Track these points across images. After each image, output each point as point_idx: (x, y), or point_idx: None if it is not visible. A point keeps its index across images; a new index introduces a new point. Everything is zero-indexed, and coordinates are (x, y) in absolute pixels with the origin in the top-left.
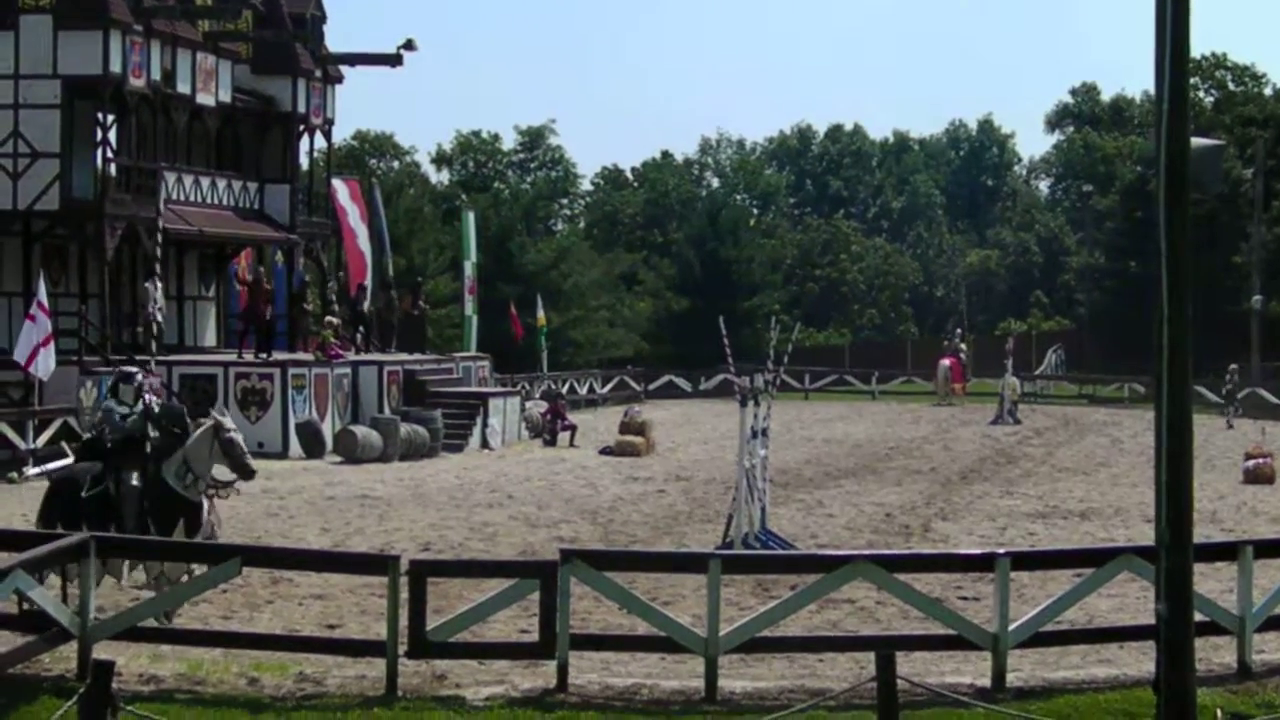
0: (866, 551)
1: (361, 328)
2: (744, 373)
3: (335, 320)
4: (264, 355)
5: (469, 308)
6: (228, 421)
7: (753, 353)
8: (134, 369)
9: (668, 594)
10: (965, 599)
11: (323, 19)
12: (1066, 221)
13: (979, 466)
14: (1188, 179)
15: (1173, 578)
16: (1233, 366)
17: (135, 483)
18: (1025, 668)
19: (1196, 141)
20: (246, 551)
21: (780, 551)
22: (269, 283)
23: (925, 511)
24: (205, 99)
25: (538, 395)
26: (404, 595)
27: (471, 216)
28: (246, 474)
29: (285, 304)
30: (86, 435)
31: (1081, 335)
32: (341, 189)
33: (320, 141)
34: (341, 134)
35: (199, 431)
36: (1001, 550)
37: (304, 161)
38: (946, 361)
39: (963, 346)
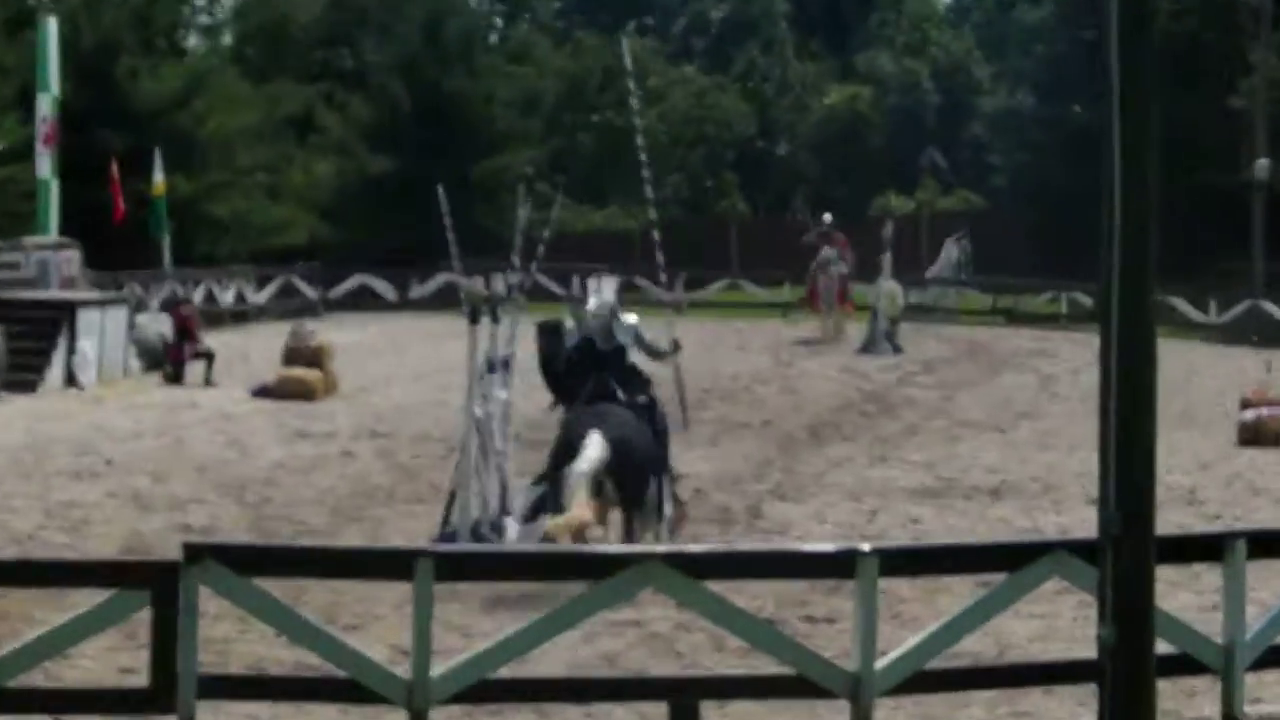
0: (661, 548)
1: None
2: (478, 272)
3: None
4: None
5: (46, 168)
6: None
7: (493, 241)
8: None
9: (356, 612)
10: (813, 620)
11: None
12: (978, 43)
13: (838, 418)
14: None
15: (1125, 588)
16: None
17: None
18: None
19: None
20: None
21: (528, 547)
22: None
23: (754, 487)
24: None
25: (156, 305)
26: None
27: (53, 26)
28: None
29: None
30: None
31: (1000, 218)
32: None
33: None
34: None
35: None
36: (867, 546)
37: None
38: (834, 265)
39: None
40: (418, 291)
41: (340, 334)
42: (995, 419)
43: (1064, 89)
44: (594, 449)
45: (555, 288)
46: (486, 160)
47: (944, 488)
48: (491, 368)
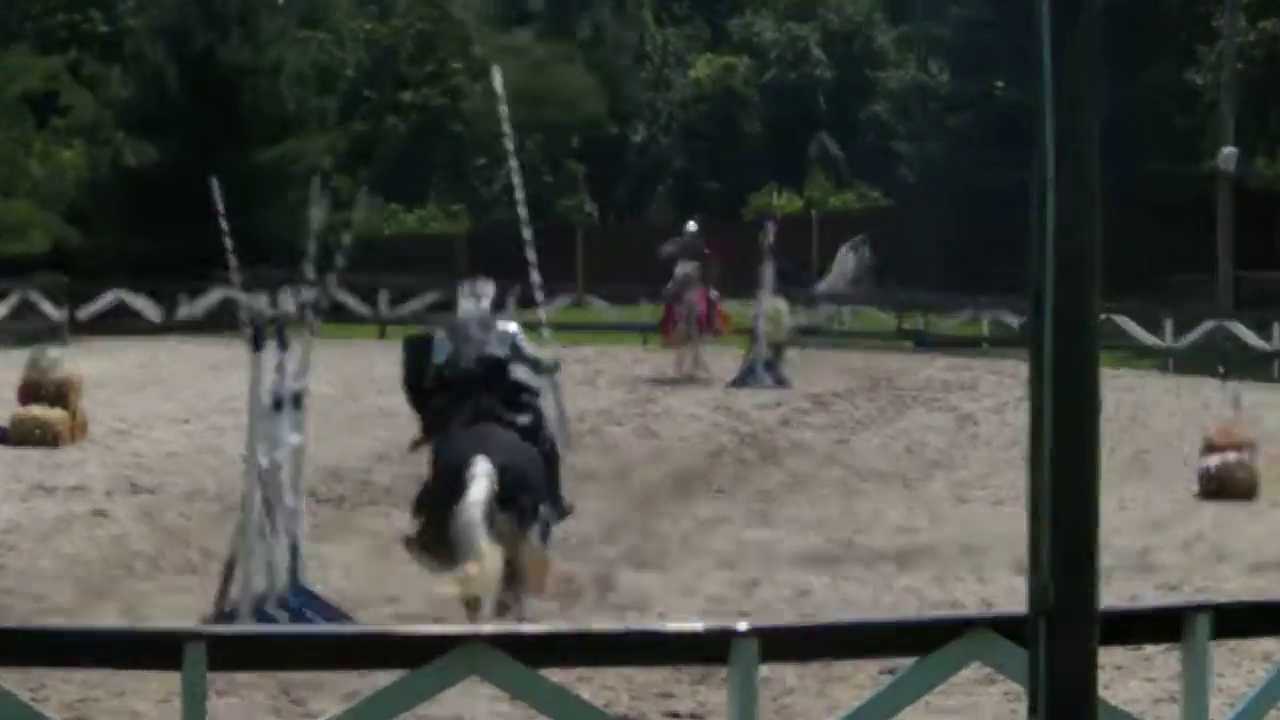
0: (487, 628)
1: None
2: (262, 287)
3: None
4: None
5: None
6: None
7: (281, 248)
8: None
9: (110, 709)
10: (677, 716)
11: None
12: (880, 4)
13: (709, 468)
14: None
15: (1061, 674)
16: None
17: None
18: None
19: None
20: None
21: (323, 627)
22: None
23: (605, 553)
24: None
25: None
26: None
27: None
28: None
29: None
30: None
31: (906, 220)
32: None
33: None
34: None
35: None
36: (743, 625)
37: None
38: (694, 295)
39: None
40: (187, 310)
41: (92, 363)
42: (902, 468)
43: (984, 61)
44: (482, 480)
45: (358, 305)
46: (272, 148)
47: (839, 553)
48: (279, 405)
